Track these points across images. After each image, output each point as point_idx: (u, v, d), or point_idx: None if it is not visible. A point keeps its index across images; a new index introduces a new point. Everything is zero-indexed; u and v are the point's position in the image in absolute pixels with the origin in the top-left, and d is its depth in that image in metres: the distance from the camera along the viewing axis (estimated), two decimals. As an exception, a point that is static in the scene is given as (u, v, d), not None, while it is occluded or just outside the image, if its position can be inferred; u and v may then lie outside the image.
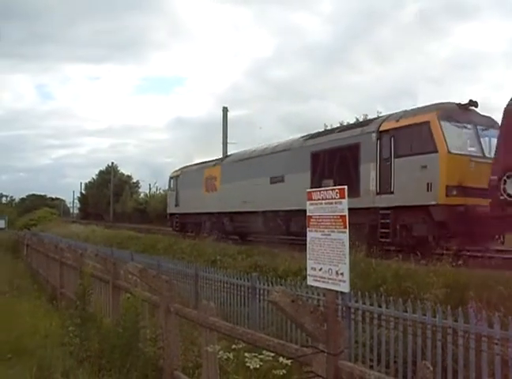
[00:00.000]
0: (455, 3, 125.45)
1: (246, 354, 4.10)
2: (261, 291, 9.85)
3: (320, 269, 3.41)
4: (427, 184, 14.10)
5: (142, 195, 75.31)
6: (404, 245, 14.90)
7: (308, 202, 3.53)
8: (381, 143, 15.92)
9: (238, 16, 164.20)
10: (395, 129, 15.57)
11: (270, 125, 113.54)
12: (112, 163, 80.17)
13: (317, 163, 18.65)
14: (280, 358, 3.87)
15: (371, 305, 7.45)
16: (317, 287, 6.90)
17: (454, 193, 13.71)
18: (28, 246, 23.26)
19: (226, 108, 42.33)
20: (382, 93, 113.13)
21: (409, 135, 15.05)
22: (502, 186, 12.33)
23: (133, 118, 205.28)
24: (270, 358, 3.96)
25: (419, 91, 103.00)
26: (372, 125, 16.91)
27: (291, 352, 3.67)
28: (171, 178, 33.74)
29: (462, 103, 15.30)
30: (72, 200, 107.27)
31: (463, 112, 15.17)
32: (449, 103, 15.55)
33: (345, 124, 28.81)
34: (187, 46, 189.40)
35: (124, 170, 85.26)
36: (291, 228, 19.98)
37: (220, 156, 32.66)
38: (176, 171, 33.06)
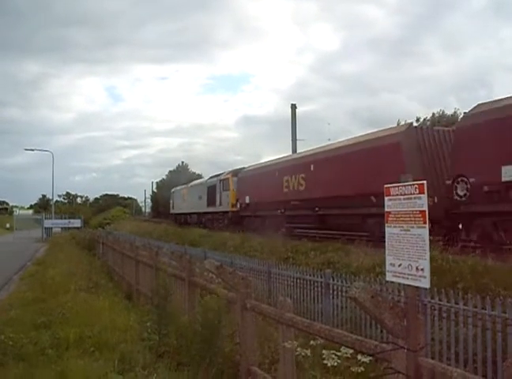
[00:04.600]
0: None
1: (323, 351, 4.07)
2: (335, 288, 9.85)
3: (399, 265, 3.38)
4: (228, 202, 34.25)
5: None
6: (222, 226, 33.57)
7: (386, 198, 3.50)
8: (220, 184, 36.43)
9: (302, 11, 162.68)
10: (222, 179, 36.27)
11: (339, 121, 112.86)
12: (182, 162, 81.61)
13: (208, 191, 39.25)
14: (358, 356, 3.83)
15: (448, 301, 7.33)
16: (392, 283, 6.85)
17: (235, 206, 32.99)
18: (104, 244, 23.95)
19: (294, 105, 42.09)
20: (455, 84, 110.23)
21: (225, 183, 35.60)
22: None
23: (201, 117, 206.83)
24: (348, 355, 3.92)
25: (494, 80, 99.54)
26: (219, 177, 37.39)
27: (369, 348, 3.63)
28: (171, 192, 56.45)
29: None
30: (143, 199, 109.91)
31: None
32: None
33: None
34: (252, 43, 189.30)
35: (193, 168, 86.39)
36: (203, 221, 40.08)
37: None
38: (172, 189, 56.24)
